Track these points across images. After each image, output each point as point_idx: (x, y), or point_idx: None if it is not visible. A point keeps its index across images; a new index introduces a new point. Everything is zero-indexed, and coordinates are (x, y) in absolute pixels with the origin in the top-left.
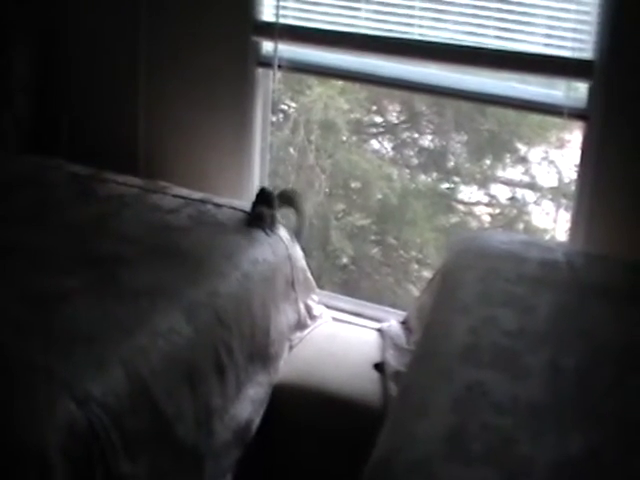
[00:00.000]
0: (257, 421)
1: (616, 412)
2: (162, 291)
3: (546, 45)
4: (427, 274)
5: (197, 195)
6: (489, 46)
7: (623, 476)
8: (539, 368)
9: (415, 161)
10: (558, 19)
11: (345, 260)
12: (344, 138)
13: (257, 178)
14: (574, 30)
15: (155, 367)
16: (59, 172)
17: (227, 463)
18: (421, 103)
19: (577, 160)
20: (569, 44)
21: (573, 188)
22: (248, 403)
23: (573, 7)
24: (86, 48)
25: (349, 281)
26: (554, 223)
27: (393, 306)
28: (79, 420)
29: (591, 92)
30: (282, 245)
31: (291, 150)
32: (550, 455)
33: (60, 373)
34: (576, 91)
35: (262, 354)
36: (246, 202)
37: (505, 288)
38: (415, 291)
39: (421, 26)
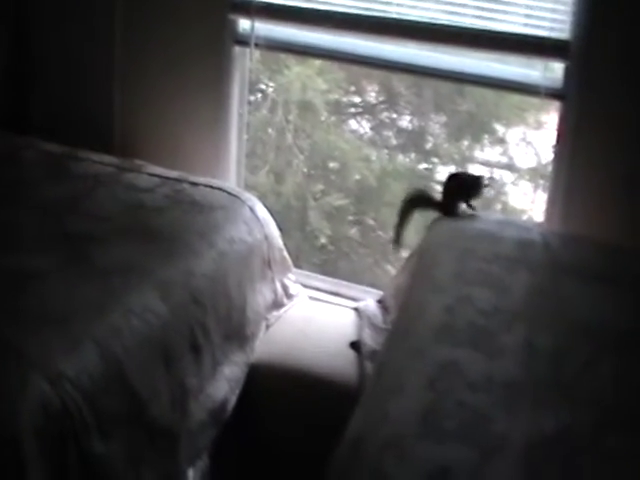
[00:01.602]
0: (233, 400)
1: (589, 391)
2: (136, 270)
3: (524, 25)
4: (405, 254)
5: (173, 174)
6: (467, 25)
7: (595, 454)
8: (514, 347)
9: (394, 142)
10: None
11: (323, 240)
12: (322, 118)
13: (234, 157)
14: (552, 10)
15: (129, 346)
16: (33, 150)
17: (203, 443)
18: (400, 84)
19: (553, 141)
20: (547, 24)
21: (550, 169)
22: (224, 382)
23: None
24: (60, 26)
25: (327, 261)
26: (532, 204)
27: (371, 286)
28: (52, 399)
29: (567, 72)
30: (258, 224)
31: (269, 130)
32: (524, 433)
33: (32, 353)
34: (553, 71)
35: (238, 333)
36: (223, 181)
37: (481, 267)
38: (393, 271)
39: (399, 5)
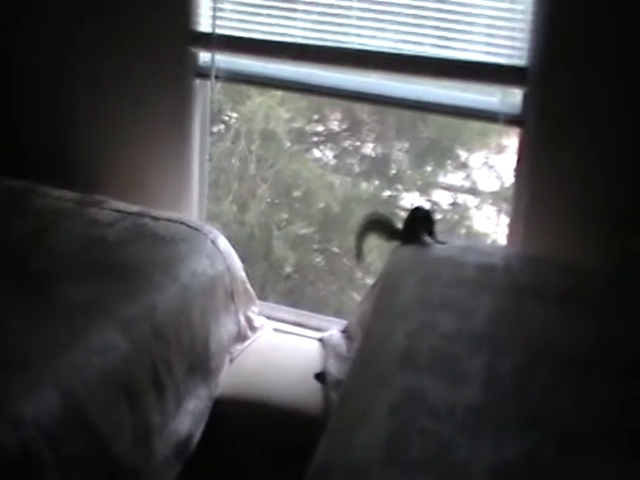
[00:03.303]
0: (197, 435)
1: (551, 413)
2: (98, 307)
3: (482, 53)
4: (371, 281)
5: (134, 208)
6: (427, 54)
7: (558, 477)
8: (477, 371)
9: (357, 169)
10: (494, 27)
11: (288, 269)
12: (285, 147)
13: (197, 189)
14: (509, 38)
15: (90, 385)
16: None
17: (167, 479)
18: (362, 111)
19: (514, 164)
20: (505, 51)
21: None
22: (188, 417)
23: (508, 15)
24: (23, 58)
25: (293, 290)
26: (495, 227)
27: (338, 314)
28: (11, 442)
29: (526, 98)
30: (220, 257)
31: (232, 160)
32: (487, 459)
33: None
34: (512, 97)
35: (202, 367)
36: (184, 214)
37: (444, 292)
38: (359, 298)
39: (360, 35)
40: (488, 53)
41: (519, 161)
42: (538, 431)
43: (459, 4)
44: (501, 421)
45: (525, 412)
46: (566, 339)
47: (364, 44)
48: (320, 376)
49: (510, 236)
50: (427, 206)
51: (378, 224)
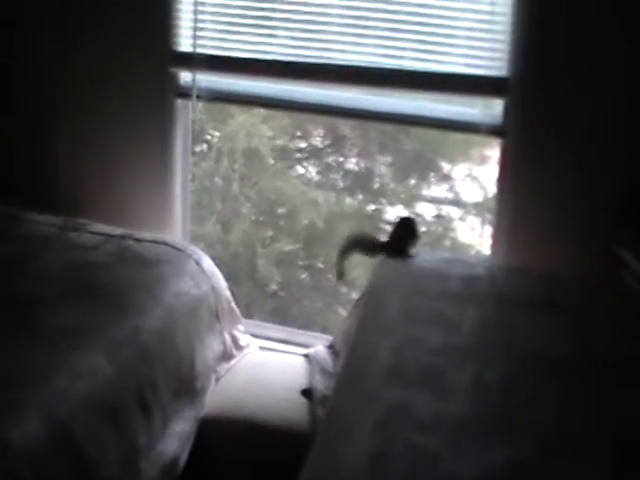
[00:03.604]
0: (184, 457)
1: (536, 422)
2: (82, 331)
3: (463, 65)
4: (356, 296)
5: (117, 231)
6: (408, 68)
7: None
8: (463, 384)
9: (341, 184)
10: (474, 39)
11: (274, 287)
12: (269, 165)
13: (180, 210)
14: (489, 49)
15: (76, 410)
16: None
17: None
18: (345, 126)
19: (496, 175)
20: (485, 63)
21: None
22: (174, 439)
23: (487, 27)
24: (3, 81)
25: (279, 308)
26: (479, 238)
27: (323, 330)
28: None
29: (506, 109)
30: (205, 277)
31: (215, 180)
32: (473, 471)
33: None
34: (493, 108)
35: (188, 388)
36: (168, 235)
37: (428, 306)
38: (345, 313)
39: (341, 50)
40: (469, 65)
41: (501, 171)
42: (523, 440)
43: (439, 17)
44: (487, 432)
45: (510, 422)
46: (549, 347)
47: (345, 59)
48: (307, 392)
49: (494, 246)
50: (412, 216)
51: (360, 242)
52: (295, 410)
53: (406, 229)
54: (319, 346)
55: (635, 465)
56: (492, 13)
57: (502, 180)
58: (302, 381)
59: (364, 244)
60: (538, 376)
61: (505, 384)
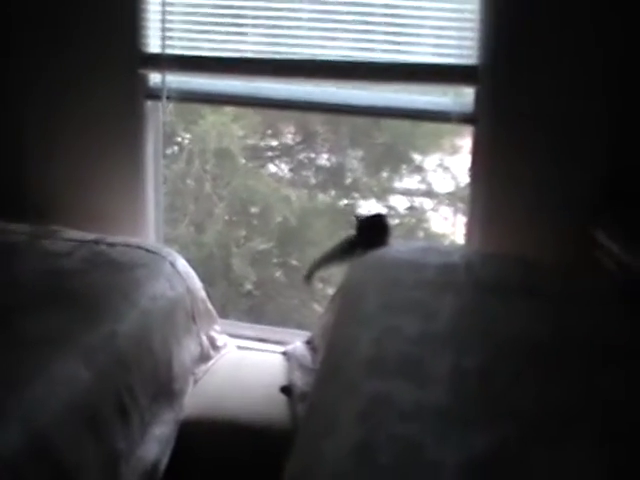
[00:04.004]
0: (165, 461)
1: (515, 406)
2: (58, 338)
3: (432, 54)
4: (332, 292)
5: (90, 236)
6: (378, 60)
7: (526, 469)
8: (443, 371)
9: (313, 181)
10: (442, 28)
11: (249, 286)
12: (240, 164)
13: (153, 213)
14: (458, 38)
15: (54, 417)
16: None
17: None
18: (316, 123)
19: (469, 164)
20: (454, 52)
21: (468, 192)
22: (154, 443)
23: (456, 15)
24: None
25: (254, 307)
26: (453, 228)
27: (300, 327)
28: None
29: (478, 96)
30: (180, 278)
31: (187, 181)
32: (456, 457)
33: None
34: (464, 97)
35: (166, 391)
36: (141, 239)
37: (406, 296)
38: (321, 310)
39: (310, 45)
40: (438, 54)
41: (473, 159)
42: (505, 425)
43: (407, 8)
44: (468, 418)
45: (491, 407)
46: (528, 331)
47: (315, 54)
48: (286, 389)
49: (468, 235)
50: (381, 212)
51: (332, 256)
52: (275, 408)
53: (377, 225)
54: (297, 342)
55: (617, 448)
56: (460, 1)
57: (475, 168)
58: (281, 378)
59: (336, 255)
60: (517, 361)
61: (484, 370)
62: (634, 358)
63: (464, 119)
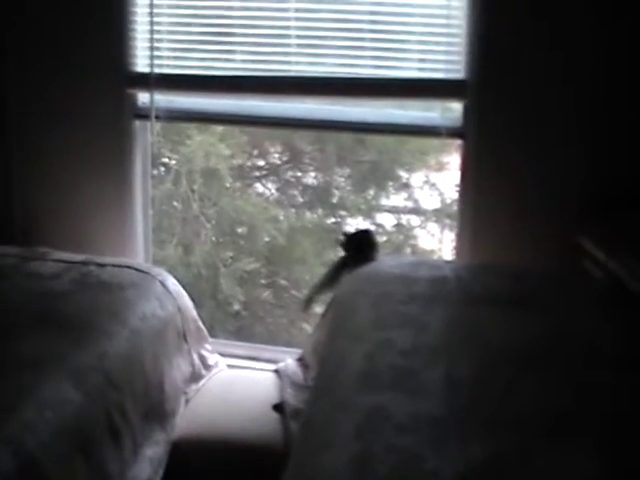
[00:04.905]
0: None
1: (511, 415)
2: (48, 361)
3: (420, 69)
4: (321, 310)
5: (78, 257)
6: (366, 76)
7: (526, 474)
8: (436, 383)
9: (300, 200)
10: (430, 43)
11: (237, 307)
12: (227, 184)
13: (141, 234)
14: (445, 52)
15: (44, 441)
16: None
17: None
18: (302, 142)
19: (457, 179)
20: (442, 66)
21: (455, 208)
22: (146, 464)
23: (443, 31)
24: None
25: (242, 328)
26: (440, 244)
27: (289, 346)
28: None
29: (466, 111)
30: (170, 298)
31: (174, 202)
32: (454, 467)
33: None
34: (452, 111)
35: (157, 412)
36: (129, 259)
37: (397, 310)
38: (310, 329)
39: (298, 63)
40: (426, 69)
41: (462, 174)
42: (500, 434)
43: (394, 24)
44: (465, 428)
45: (487, 416)
46: (519, 340)
47: (303, 71)
48: (278, 407)
49: (457, 251)
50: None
51: (331, 277)
52: (268, 426)
53: (363, 241)
54: (288, 360)
55: (618, 453)
56: (448, 17)
57: (463, 183)
58: (273, 396)
59: (331, 279)
60: (509, 370)
61: (477, 379)
62: (623, 362)
63: (452, 133)
